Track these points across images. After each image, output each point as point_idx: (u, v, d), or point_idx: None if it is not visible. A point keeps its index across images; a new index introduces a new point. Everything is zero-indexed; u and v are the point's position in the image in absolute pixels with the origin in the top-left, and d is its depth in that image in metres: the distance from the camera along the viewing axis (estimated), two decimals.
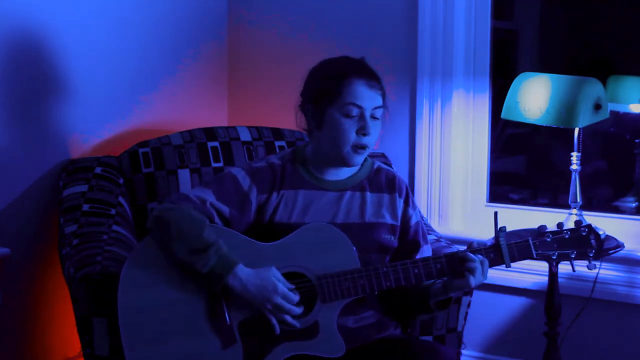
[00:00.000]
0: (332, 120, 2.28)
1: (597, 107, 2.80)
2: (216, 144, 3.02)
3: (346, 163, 2.33)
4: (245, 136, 3.07)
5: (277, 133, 3.13)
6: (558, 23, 3.70)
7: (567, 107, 2.77)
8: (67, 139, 3.02)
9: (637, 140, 3.34)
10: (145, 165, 2.92)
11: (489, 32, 3.31)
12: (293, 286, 2.20)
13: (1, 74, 2.81)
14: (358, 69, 2.31)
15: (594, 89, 2.80)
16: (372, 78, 2.31)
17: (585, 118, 2.77)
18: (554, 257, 2.26)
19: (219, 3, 3.60)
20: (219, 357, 2.19)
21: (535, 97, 2.83)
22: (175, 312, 2.19)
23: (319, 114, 2.31)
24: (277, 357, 2.20)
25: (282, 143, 3.10)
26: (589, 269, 2.28)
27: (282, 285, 2.18)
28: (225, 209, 2.28)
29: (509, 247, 2.25)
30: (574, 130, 2.89)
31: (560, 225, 2.28)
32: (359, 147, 2.29)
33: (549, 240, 2.26)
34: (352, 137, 2.28)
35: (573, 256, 2.27)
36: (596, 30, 3.61)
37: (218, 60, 3.62)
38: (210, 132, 3.05)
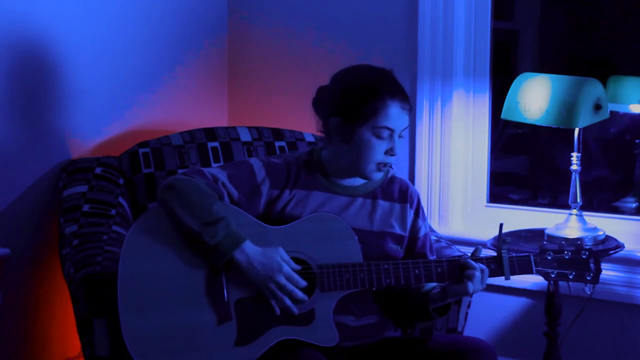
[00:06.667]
0: (362, 139, 2.28)
1: (597, 107, 2.80)
2: (216, 144, 3.02)
3: (367, 178, 2.35)
4: (245, 136, 3.07)
5: (277, 133, 3.12)
6: (558, 23, 3.70)
7: (567, 108, 2.76)
8: (67, 139, 3.02)
9: (637, 141, 3.34)
10: (146, 165, 2.92)
11: (489, 32, 3.30)
12: (299, 267, 2.22)
13: (1, 74, 2.82)
14: (393, 89, 2.30)
15: (594, 89, 2.80)
16: (404, 99, 2.31)
17: (585, 118, 2.77)
18: (553, 276, 2.30)
19: (219, 3, 3.60)
20: (213, 332, 2.19)
21: (535, 97, 2.83)
22: (174, 283, 2.20)
23: (349, 130, 2.29)
24: (271, 339, 2.21)
25: (282, 143, 3.10)
26: (585, 291, 2.34)
27: (288, 267, 2.20)
28: (234, 193, 2.29)
29: (510, 260, 2.28)
30: (574, 130, 2.89)
31: (561, 245, 2.31)
32: (382, 166, 2.31)
33: (549, 258, 2.30)
34: (380, 157, 2.29)
35: (571, 277, 2.31)
36: (596, 31, 3.61)
37: (218, 60, 3.62)
38: (210, 133, 3.05)
